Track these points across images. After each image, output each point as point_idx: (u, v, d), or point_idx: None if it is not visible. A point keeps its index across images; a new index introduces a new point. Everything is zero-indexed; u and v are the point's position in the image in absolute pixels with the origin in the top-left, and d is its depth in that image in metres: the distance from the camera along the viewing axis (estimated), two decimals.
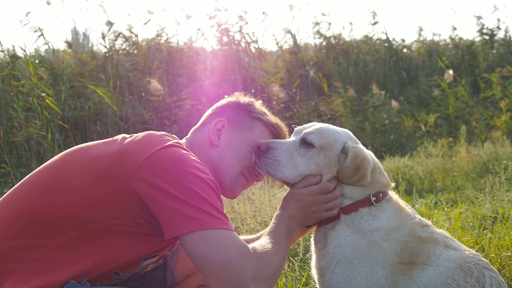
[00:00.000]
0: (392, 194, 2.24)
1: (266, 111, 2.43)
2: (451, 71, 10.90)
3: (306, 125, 2.27)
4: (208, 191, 1.95)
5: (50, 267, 1.93)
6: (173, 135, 2.20)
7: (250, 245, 1.97)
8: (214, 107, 2.45)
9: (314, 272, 2.22)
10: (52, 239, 1.95)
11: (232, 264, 1.86)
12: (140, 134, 2.12)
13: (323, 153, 2.14)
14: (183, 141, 2.33)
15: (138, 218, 2.00)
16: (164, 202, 1.91)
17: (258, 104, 2.43)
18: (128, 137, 2.11)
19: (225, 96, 2.50)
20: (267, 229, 2.14)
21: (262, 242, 2.03)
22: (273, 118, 2.40)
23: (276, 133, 2.38)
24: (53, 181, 2.02)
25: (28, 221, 1.97)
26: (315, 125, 2.23)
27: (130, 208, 1.97)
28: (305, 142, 2.15)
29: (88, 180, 1.98)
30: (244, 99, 2.42)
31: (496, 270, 2.09)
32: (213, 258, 1.86)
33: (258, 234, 2.52)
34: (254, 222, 3.83)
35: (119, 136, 2.15)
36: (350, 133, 2.27)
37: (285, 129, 2.43)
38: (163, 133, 2.18)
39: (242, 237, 2.43)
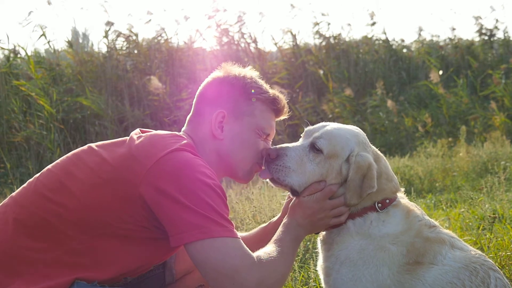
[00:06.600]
0: (402, 197, 2.21)
1: (260, 82, 2.33)
2: (440, 72, 10.87)
3: (316, 126, 2.22)
4: (215, 197, 1.95)
5: (57, 271, 1.92)
6: (180, 135, 2.17)
7: (256, 253, 1.98)
8: (205, 90, 2.34)
9: (320, 272, 2.22)
10: (60, 243, 1.94)
11: (236, 273, 1.88)
12: (147, 135, 2.09)
13: (329, 161, 2.11)
14: (182, 134, 2.26)
15: (145, 222, 1.99)
16: (171, 208, 1.91)
17: (250, 75, 2.32)
18: (136, 139, 2.07)
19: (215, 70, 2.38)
20: (274, 236, 2.13)
21: (268, 250, 2.04)
22: (270, 92, 2.31)
23: (276, 108, 2.31)
24: (61, 183, 2.00)
25: (36, 224, 1.95)
26: (325, 128, 2.18)
27: (137, 212, 1.97)
28: (314, 147, 2.12)
29: (95, 183, 1.97)
30: (234, 72, 2.33)
31: (501, 272, 2.08)
32: (218, 267, 1.89)
33: (254, 231, 2.53)
34: (253, 222, 3.83)
35: (128, 137, 2.12)
36: (361, 135, 2.21)
37: (284, 100, 2.34)
38: (170, 133, 2.15)
39: (240, 234, 2.45)
